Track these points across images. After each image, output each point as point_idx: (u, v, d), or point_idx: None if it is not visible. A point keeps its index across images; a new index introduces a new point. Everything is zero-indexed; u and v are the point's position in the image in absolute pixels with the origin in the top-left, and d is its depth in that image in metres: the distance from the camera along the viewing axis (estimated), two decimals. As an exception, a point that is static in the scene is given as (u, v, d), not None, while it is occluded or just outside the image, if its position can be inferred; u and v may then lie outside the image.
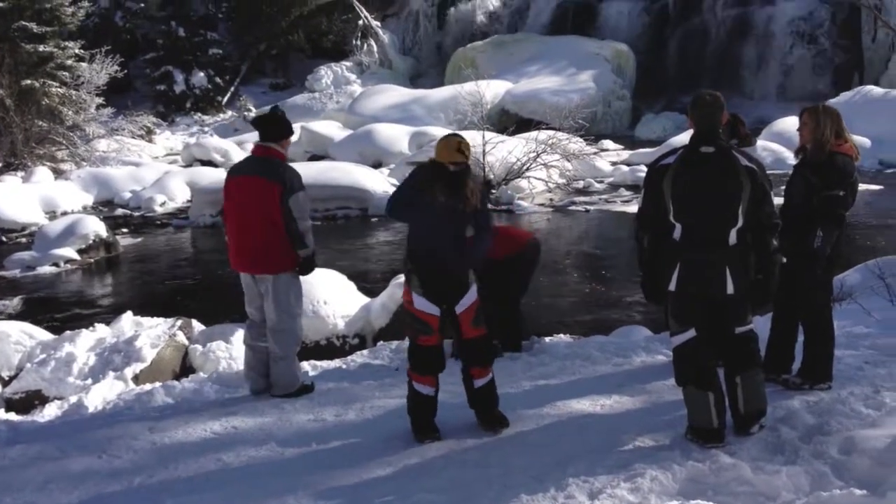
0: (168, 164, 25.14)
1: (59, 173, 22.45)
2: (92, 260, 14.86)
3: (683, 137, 22.04)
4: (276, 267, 6.12)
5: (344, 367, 7.29)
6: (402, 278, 9.27)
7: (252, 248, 6.09)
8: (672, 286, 4.91)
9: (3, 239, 17.01)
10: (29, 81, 23.51)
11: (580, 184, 19.99)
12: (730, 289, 4.84)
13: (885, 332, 6.79)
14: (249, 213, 6.05)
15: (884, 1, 28.63)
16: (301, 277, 6.36)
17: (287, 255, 6.13)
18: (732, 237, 4.81)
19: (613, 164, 22.23)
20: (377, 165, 21.48)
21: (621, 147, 25.27)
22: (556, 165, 18.86)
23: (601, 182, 20.53)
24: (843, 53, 29.69)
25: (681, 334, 4.98)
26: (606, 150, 24.46)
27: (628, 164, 21.67)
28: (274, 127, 6.26)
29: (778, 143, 21.03)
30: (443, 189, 5.07)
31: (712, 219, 4.81)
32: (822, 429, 5.00)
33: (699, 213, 4.82)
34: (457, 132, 5.45)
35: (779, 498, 4.22)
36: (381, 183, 18.78)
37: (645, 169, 19.24)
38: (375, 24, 36.18)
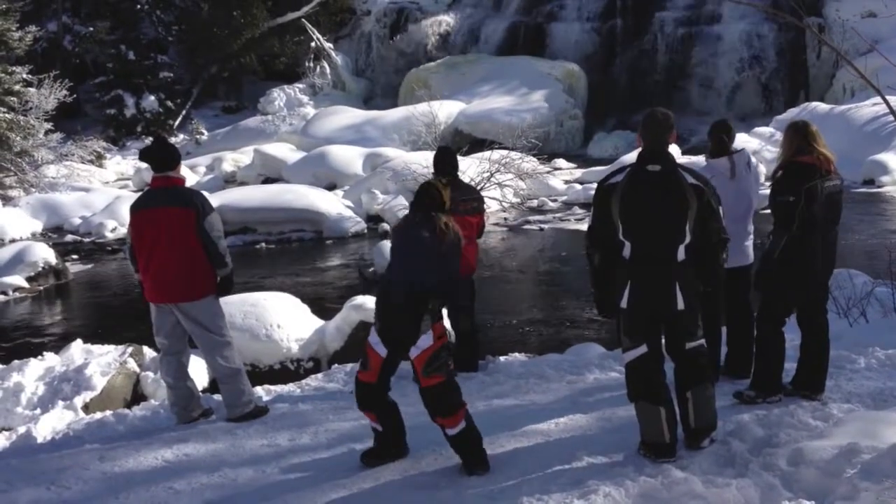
0: (119, 189, 24.87)
1: (7, 200, 22.09)
2: (41, 287, 14.63)
3: (635, 155, 22.19)
4: (197, 292, 6.15)
5: (298, 390, 7.25)
6: (356, 300, 9.29)
7: (172, 279, 6.08)
8: (623, 303, 4.96)
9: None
10: (-25, 107, 23.17)
11: (534, 202, 20.13)
12: (679, 304, 4.90)
13: (832, 345, 6.90)
14: (164, 244, 6.04)
15: (827, 20, 29.32)
16: (225, 300, 6.43)
17: (207, 279, 6.17)
18: (681, 253, 4.88)
19: (567, 182, 22.40)
20: (331, 187, 21.42)
21: (574, 165, 25.51)
22: (510, 185, 18.95)
23: (555, 200, 20.69)
24: (789, 71, 30.29)
25: (632, 350, 5.03)
26: (559, 168, 24.67)
27: (581, 183, 21.85)
28: (165, 156, 6.23)
29: (727, 159, 21.34)
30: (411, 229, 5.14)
31: (660, 236, 4.87)
32: (770, 441, 5.08)
33: (647, 231, 4.88)
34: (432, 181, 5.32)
35: (729, 511, 4.28)
36: (335, 205, 18.74)
37: (592, 201, 19.22)
38: (328, 45, 36.15)
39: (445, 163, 7.21)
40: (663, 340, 5.14)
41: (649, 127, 4.94)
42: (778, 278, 5.73)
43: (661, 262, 4.88)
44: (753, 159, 6.63)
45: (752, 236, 6.46)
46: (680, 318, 4.98)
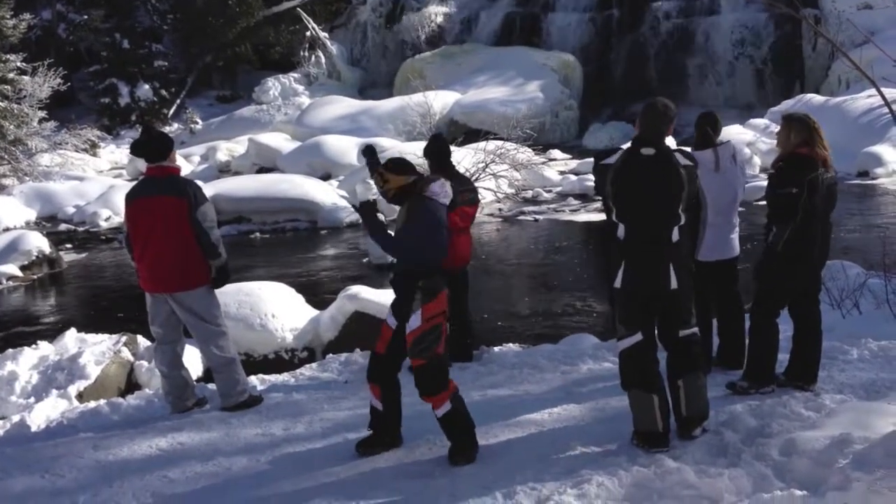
0: (113, 178, 24.81)
1: (0, 188, 22.03)
2: (35, 276, 14.61)
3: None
4: (192, 282, 6.14)
5: (292, 380, 7.25)
6: (350, 290, 9.30)
7: (167, 268, 6.08)
8: (617, 283, 4.99)
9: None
10: (-31, 95, 23.10)
11: (529, 193, 20.11)
12: (673, 283, 4.96)
13: (825, 336, 6.92)
14: (159, 233, 6.03)
15: (823, 11, 29.31)
16: (219, 290, 6.42)
17: (201, 269, 6.16)
18: (675, 234, 4.95)
19: (562, 173, 22.37)
20: (326, 177, 21.39)
21: (569, 156, 25.48)
22: (505, 175, 18.95)
23: (550, 191, 20.66)
24: (785, 62, 30.27)
25: (628, 338, 5.05)
26: (555, 159, 24.65)
27: (576, 174, 21.84)
28: (156, 146, 6.19)
29: (722, 150, 21.35)
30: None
31: (656, 218, 4.93)
32: (763, 431, 5.10)
33: (642, 213, 4.93)
34: (393, 159, 5.28)
35: (722, 500, 4.29)
36: (330, 195, 18.72)
37: (593, 179, 19.26)
38: (323, 35, 36.03)
39: (438, 151, 7.19)
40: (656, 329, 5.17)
41: (648, 116, 4.97)
42: (776, 269, 5.75)
43: (657, 242, 4.93)
44: (747, 150, 6.65)
45: (737, 228, 6.48)
46: (674, 301, 5.01)
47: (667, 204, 4.89)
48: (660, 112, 4.96)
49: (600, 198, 5.25)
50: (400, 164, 5.17)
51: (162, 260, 6.08)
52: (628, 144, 5.11)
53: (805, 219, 5.59)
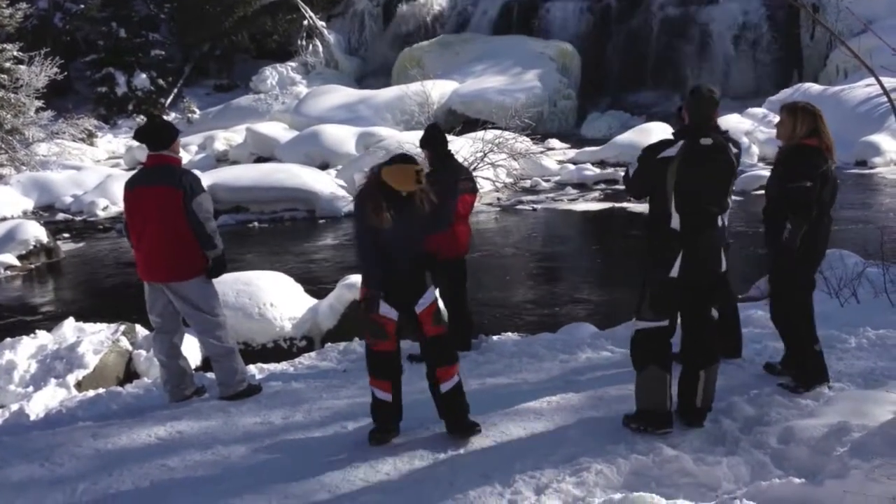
0: (110, 168, 24.76)
1: (-3, 178, 22.01)
2: (32, 266, 14.58)
3: (629, 136, 22.29)
4: (188, 272, 6.13)
5: (291, 369, 7.26)
6: (349, 279, 9.29)
7: (161, 258, 6.07)
8: (674, 272, 4.96)
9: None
10: (-35, 85, 23.02)
11: (527, 183, 20.09)
12: (723, 267, 5.07)
13: (823, 325, 6.93)
14: (154, 223, 6.03)
15: (821, 0, 29.25)
16: (217, 279, 6.39)
17: (196, 260, 6.14)
18: (720, 220, 5.04)
19: (560, 162, 22.36)
20: (324, 167, 21.35)
21: (567, 146, 25.45)
22: (504, 165, 18.92)
23: (548, 181, 20.65)
24: (783, 51, 30.23)
25: (653, 322, 5.08)
26: (553, 148, 24.62)
27: (574, 163, 21.83)
28: (159, 135, 6.19)
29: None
30: (393, 212, 5.01)
31: (713, 206, 4.98)
32: (761, 419, 5.12)
33: (704, 202, 4.95)
34: (407, 155, 5.15)
35: (720, 488, 4.32)
36: (328, 184, 18.70)
37: (591, 168, 19.04)
38: (321, 24, 35.94)
39: (435, 140, 7.18)
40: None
41: (696, 104, 4.96)
42: (788, 269, 5.68)
43: (710, 229, 4.98)
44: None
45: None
46: (718, 284, 5.13)
47: (724, 192, 4.99)
48: (706, 98, 4.96)
49: (629, 189, 5.22)
50: (407, 156, 5.15)
51: (157, 250, 6.07)
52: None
53: (817, 214, 5.51)
